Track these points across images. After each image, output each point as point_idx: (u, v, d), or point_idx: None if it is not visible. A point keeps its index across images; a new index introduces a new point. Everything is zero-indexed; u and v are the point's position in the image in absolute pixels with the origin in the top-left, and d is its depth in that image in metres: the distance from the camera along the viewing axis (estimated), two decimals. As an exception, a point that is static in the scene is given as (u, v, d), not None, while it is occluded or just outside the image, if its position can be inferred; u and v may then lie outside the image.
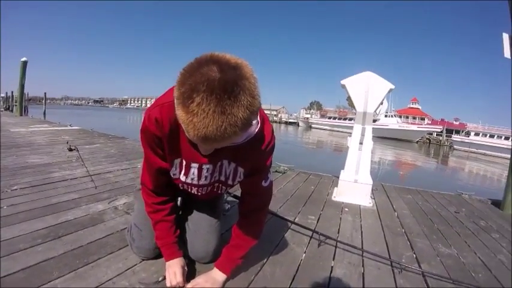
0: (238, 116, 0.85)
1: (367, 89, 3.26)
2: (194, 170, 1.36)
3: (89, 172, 3.46)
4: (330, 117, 60.72)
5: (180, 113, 0.88)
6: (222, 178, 1.44)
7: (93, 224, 2.13)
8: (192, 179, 1.40)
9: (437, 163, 21.70)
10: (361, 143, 3.35)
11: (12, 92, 21.01)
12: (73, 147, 4.85)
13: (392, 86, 3.23)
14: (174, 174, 1.42)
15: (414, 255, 2.05)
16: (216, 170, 1.40)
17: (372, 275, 1.75)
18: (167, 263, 1.51)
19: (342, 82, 3.38)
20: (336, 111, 67.24)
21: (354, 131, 3.42)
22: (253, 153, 1.33)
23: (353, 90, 3.35)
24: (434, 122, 49.17)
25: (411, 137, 39.14)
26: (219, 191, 1.56)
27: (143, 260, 1.68)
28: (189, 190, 1.50)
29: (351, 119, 50.20)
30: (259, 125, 1.25)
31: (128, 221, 2.16)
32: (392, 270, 1.82)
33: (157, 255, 1.67)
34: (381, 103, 3.41)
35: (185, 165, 1.36)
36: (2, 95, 20.70)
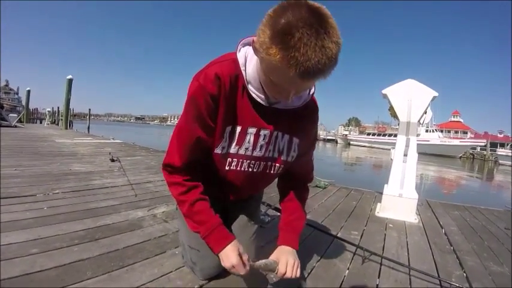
0: (333, 51, 0.88)
1: (410, 97, 3.10)
2: (250, 137, 1.28)
3: (129, 181, 3.50)
4: (368, 134, 59.36)
5: (275, 51, 0.88)
6: (276, 154, 1.37)
7: (131, 229, 2.10)
8: (247, 148, 1.29)
9: (482, 179, 20.43)
10: (405, 155, 3.17)
11: (58, 107, 22.12)
12: (115, 158, 4.97)
13: (436, 94, 3.05)
14: (223, 148, 1.27)
15: (464, 274, 1.86)
16: (271, 142, 1.33)
17: None
18: (222, 253, 1.27)
19: (383, 91, 3.23)
20: (375, 127, 66.14)
21: (397, 142, 3.22)
22: (306, 120, 1.37)
23: (395, 100, 3.19)
24: (477, 136, 46.88)
25: (454, 152, 37.08)
26: (271, 171, 1.41)
27: (208, 278, 1.55)
28: (237, 171, 1.34)
29: (390, 135, 49.02)
30: (313, 90, 1.28)
31: (166, 229, 2.14)
32: None
33: (182, 261, 1.65)
34: (425, 112, 3.20)
35: (240, 131, 1.26)
36: (48, 109, 21.75)
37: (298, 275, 1.33)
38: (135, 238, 1.95)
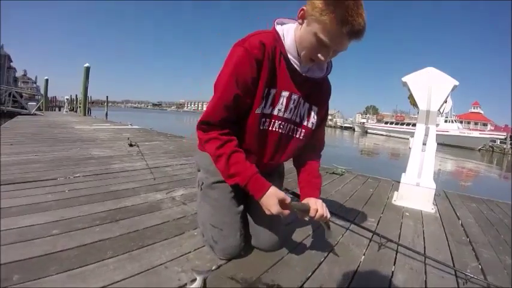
0: (365, 20, 1.21)
1: (430, 85, 3.03)
2: (283, 99, 1.44)
3: (148, 165, 3.55)
4: (386, 122, 57.76)
5: (330, 14, 1.17)
6: (298, 119, 1.55)
7: (150, 211, 2.13)
8: (279, 110, 1.44)
9: (500, 173, 19.93)
10: (424, 144, 3.13)
11: (76, 95, 22.44)
12: (133, 143, 5.03)
13: (457, 83, 2.96)
14: (262, 108, 1.41)
15: (480, 266, 1.83)
16: (298, 106, 1.50)
17: (435, 283, 1.57)
18: (262, 200, 1.37)
19: (403, 79, 3.15)
20: (393, 115, 64.88)
21: (416, 130, 3.16)
22: (323, 95, 1.61)
23: (415, 88, 3.12)
24: (497, 128, 44.94)
25: (473, 144, 35.82)
26: (296, 135, 1.57)
27: (228, 257, 1.58)
28: (269, 131, 1.48)
29: (408, 124, 47.90)
30: (329, 69, 1.54)
31: (184, 211, 2.18)
32: (457, 280, 1.63)
33: (201, 241, 1.70)
34: (445, 101, 3.13)
35: (275, 93, 1.41)
36: (67, 97, 22.06)
37: (328, 214, 1.50)
38: (154, 219, 1.98)
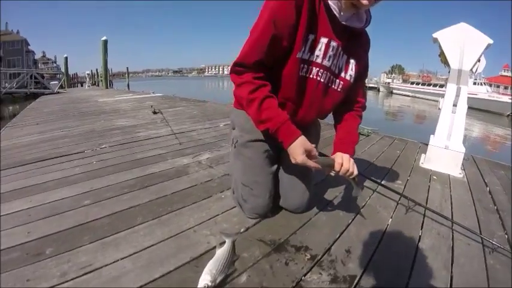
0: None
1: (463, 43, 2.83)
2: (322, 46, 1.36)
3: (173, 131, 3.56)
4: (412, 83, 54.56)
5: None
6: (337, 70, 1.47)
7: (178, 175, 2.15)
8: (317, 56, 1.37)
9: None
10: (454, 105, 3.01)
11: (96, 69, 22.56)
12: (157, 111, 5.06)
13: (491, 41, 2.75)
14: (302, 53, 1.34)
15: (506, 236, 1.75)
16: (337, 56, 1.42)
17: (461, 250, 1.53)
18: (290, 148, 1.34)
19: (434, 35, 2.96)
20: (419, 76, 62.84)
21: (447, 91, 2.99)
22: (361, 47, 1.53)
23: (447, 45, 2.92)
24: None
25: (501, 109, 33.65)
26: (333, 86, 1.49)
27: (256, 217, 1.61)
28: (308, 78, 1.41)
29: (435, 85, 45.89)
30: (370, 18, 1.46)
31: (211, 174, 2.19)
32: (483, 248, 1.57)
33: (229, 204, 1.71)
34: (478, 60, 2.97)
35: (314, 39, 1.35)
36: (88, 72, 22.26)
37: (356, 170, 1.43)
38: (182, 184, 2.00)
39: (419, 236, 1.62)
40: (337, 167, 1.39)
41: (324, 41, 1.36)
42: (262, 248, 1.36)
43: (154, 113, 4.99)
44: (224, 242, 1.31)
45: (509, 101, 34.90)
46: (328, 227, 1.58)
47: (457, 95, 2.94)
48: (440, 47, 2.97)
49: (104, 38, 15.47)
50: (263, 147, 1.55)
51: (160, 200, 1.76)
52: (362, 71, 1.56)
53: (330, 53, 1.38)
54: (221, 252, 1.23)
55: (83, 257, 1.24)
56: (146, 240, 1.37)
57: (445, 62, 3.01)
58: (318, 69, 1.39)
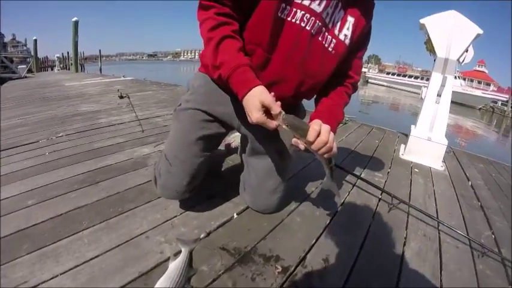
0: None
1: (451, 31, 2.72)
2: None
3: (137, 117, 3.30)
4: (388, 73, 56.55)
5: None
6: (330, 24, 1.17)
7: (135, 168, 1.93)
8: None
9: (498, 135, 19.68)
10: (438, 95, 2.87)
11: (68, 52, 21.74)
12: (124, 95, 4.75)
13: (481, 31, 2.64)
14: None
15: (493, 236, 1.70)
16: (330, 3, 1.13)
17: (450, 254, 1.43)
18: (244, 101, 1.04)
19: (422, 21, 2.82)
20: (395, 66, 64.13)
21: (431, 79, 2.91)
22: (363, 7, 1.21)
23: (434, 32, 2.80)
24: (500, 90, 44.10)
25: (474, 102, 35.22)
26: (325, 43, 1.17)
27: (185, 212, 1.42)
28: (290, 23, 1.10)
29: (410, 76, 47.69)
30: None
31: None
32: (472, 251, 1.49)
33: (188, 203, 1.46)
34: (466, 50, 2.86)
35: None
36: (57, 55, 21.44)
37: (335, 149, 1.09)
38: (138, 178, 1.79)
39: (405, 238, 1.49)
40: (311, 135, 1.03)
41: None
42: (224, 258, 1.16)
43: (121, 97, 4.70)
44: (180, 252, 1.11)
45: (482, 95, 36.22)
46: (303, 231, 1.40)
47: (443, 85, 2.80)
48: (427, 33, 2.83)
49: (75, 19, 14.83)
50: (205, 123, 1.29)
51: (112, 199, 1.54)
52: (361, 38, 1.27)
53: None
54: (174, 267, 1.03)
55: (19, 272, 1.04)
56: (91, 249, 1.16)
57: (431, 50, 2.89)
58: (303, 12, 1.10)
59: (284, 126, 1.02)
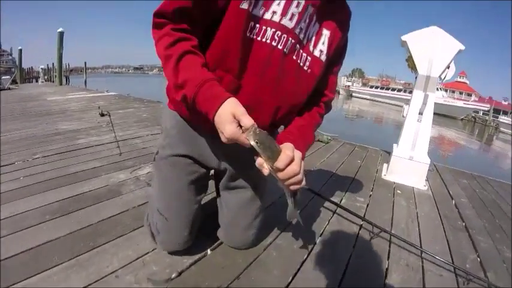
0: None
1: (433, 47, 2.75)
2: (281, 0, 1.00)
3: (116, 137, 3.25)
4: (371, 86, 57.23)
5: None
6: (305, 40, 1.08)
7: (110, 197, 1.88)
8: (274, 12, 0.99)
9: (480, 145, 19.97)
10: (420, 114, 2.87)
11: (52, 64, 21.44)
12: (105, 112, 4.68)
13: (463, 47, 2.68)
14: (249, 4, 0.96)
15: (478, 259, 1.70)
16: (304, 17, 1.05)
17: (434, 283, 1.42)
18: (217, 116, 0.90)
19: (403, 38, 2.85)
20: (379, 80, 65.00)
21: (413, 97, 2.92)
22: (342, 14, 1.15)
23: (416, 49, 2.83)
24: (481, 100, 45.20)
25: (456, 113, 35.92)
26: (300, 61, 1.09)
27: (167, 251, 1.36)
28: (260, 42, 1.02)
29: (393, 89, 48.58)
30: None
31: (147, 195, 1.93)
32: (457, 279, 1.48)
33: (189, 249, 1.37)
34: (448, 67, 2.88)
35: None
36: (42, 66, 21.16)
37: (304, 180, 1.00)
38: (112, 208, 1.74)
39: (387, 268, 1.48)
40: (283, 161, 0.92)
41: None
42: (197, 300, 1.12)
43: (102, 115, 4.64)
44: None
45: (464, 105, 37.02)
46: (279, 267, 1.37)
47: (424, 103, 2.82)
48: (408, 50, 2.85)
49: (60, 29, 14.59)
50: (188, 168, 1.24)
51: (84, 232, 1.50)
52: (337, 52, 1.19)
53: (294, 9, 1.02)
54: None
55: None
56: (59, 290, 1.11)
57: (413, 68, 2.91)
58: (274, 30, 1.01)
59: (252, 143, 0.87)
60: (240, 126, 0.88)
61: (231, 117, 0.87)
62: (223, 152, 1.11)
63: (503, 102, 42.93)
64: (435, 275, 1.49)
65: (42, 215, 1.63)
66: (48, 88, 11.64)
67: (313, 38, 1.10)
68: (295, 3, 1.01)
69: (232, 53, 1.00)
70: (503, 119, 33.06)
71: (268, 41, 1.01)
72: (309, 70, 1.11)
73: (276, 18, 1.00)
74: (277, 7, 0.99)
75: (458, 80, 51.21)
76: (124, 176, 2.25)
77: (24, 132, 3.59)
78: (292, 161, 0.94)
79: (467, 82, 52.02)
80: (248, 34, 0.99)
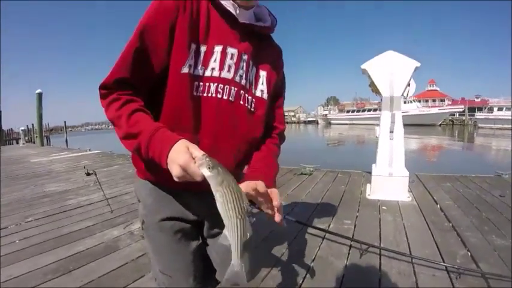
0: None
1: (391, 70, 2.95)
2: (217, 55, 1.08)
3: (105, 195, 3.30)
4: (348, 111, 58.80)
5: None
6: (247, 85, 1.16)
7: (107, 253, 1.95)
8: (213, 69, 1.07)
9: (463, 145, 20.39)
10: (391, 132, 3.05)
11: (32, 124, 21.38)
12: (91, 172, 4.72)
13: (418, 64, 2.90)
14: (190, 67, 1.02)
15: (469, 253, 1.77)
16: (240, 64, 1.13)
17: (427, 284, 1.49)
18: (170, 156, 0.85)
19: (363, 66, 3.06)
20: (354, 103, 66.11)
21: (382, 118, 3.08)
22: (274, 53, 1.24)
23: (376, 74, 3.03)
24: (454, 102, 47.21)
25: (433, 120, 37.27)
26: (245, 104, 1.16)
27: None
28: (206, 98, 1.07)
29: (369, 110, 49.46)
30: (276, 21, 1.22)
31: (144, 247, 1.99)
32: (449, 275, 1.55)
33: None
34: (408, 84, 3.06)
35: (206, 50, 1.07)
36: (22, 128, 21.05)
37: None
38: (111, 263, 1.81)
39: (379, 279, 1.55)
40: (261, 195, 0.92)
41: (218, 49, 1.10)
42: None
43: (88, 174, 4.68)
44: None
45: (439, 111, 37.98)
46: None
47: (393, 121, 2.98)
48: (369, 77, 3.03)
49: (39, 90, 14.49)
50: (174, 227, 1.26)
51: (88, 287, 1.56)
52: (277, 88, 1.28)
53: (229, 61, 1.11)
54: None
55: None
56: None
57: (376, 92, 3.09)
58: (216, 84, 1.09)
59: (203, 169, 0.77)
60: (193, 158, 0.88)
61: (185, 149, 0.86)
62: (196, 204, 1.19)
63: (476, 100, 44.48)
64: (427, 276, 1.56)
65: (44, 275, 1.69)
66: (30, 149, 11.60)
67: (254, 81, 1.20)
68: (229, 55, 1.10)
69: (184, 113, 1.07)
70: (479, 115, 34.06)
71: (213, 95, 1.09)
72: (257, 110, 1.21)
73: (216, 73, 1.08)
74: (214, 63, 1.08)
75: (429, 88, 52.82)
76: (117, 232, 2.31)
77: (12, 196, 3.64)
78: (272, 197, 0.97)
79: (438, 89, 53.68)
80: (195, 93, 1.06)
